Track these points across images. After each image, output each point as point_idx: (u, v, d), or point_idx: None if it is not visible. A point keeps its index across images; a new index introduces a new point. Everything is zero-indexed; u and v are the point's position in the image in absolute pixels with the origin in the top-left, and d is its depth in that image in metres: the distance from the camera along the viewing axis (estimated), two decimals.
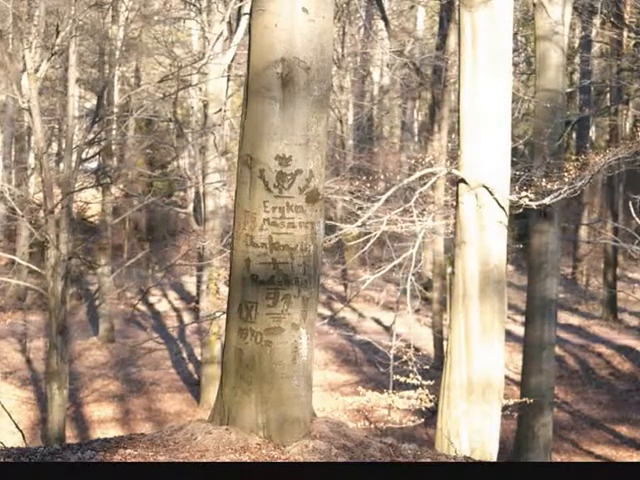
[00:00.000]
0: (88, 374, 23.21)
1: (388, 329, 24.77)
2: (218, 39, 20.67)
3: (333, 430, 5.69)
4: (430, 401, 16.23)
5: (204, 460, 5.26)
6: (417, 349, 19.47)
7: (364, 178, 14.81)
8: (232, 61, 21.76)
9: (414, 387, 16.66)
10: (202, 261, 20.70)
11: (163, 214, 32.58)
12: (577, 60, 30.51)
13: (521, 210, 14.04)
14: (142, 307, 28.97)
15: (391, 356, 16.60)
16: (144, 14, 23.40)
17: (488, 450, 11.43)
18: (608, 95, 29.43)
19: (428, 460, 5.69)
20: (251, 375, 5.60)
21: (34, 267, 18.45)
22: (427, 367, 17.75)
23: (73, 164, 17.36)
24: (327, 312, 26.89)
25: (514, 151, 14.01)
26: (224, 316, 6.22)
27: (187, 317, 28.39)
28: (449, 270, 22.39)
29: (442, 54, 24.35)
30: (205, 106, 22.13)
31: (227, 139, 22.52)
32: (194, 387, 22.40)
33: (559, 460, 17.79)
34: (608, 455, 18.44)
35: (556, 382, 18.95)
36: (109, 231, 26.24)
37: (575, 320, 28.19)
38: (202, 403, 21.20)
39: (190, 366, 24.34)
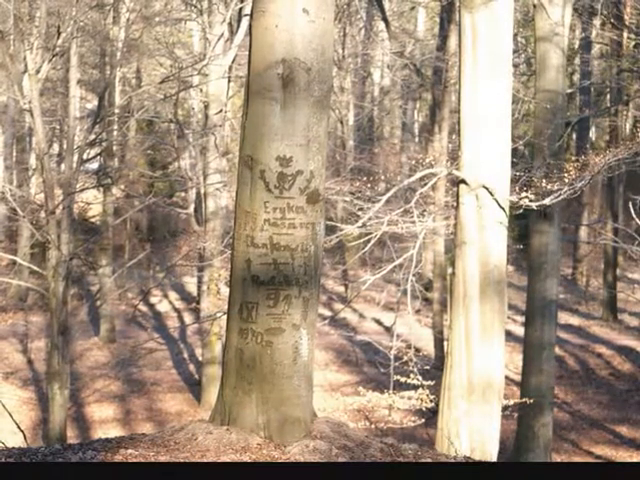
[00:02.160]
0: (89, 374, 23.22)
1: (389, 329, 24.77)
2: (219, 40, 20.68)
3: (334, 430, 5.70)
4: (430, 401, 16.25)
5: (205, 460, 5.27)
6: (417, 349, 19.49)
7: (365, 179, 14.83)
8: (233, 62, 21.77)
9: (414, 387, 16.67)
10: (203, 262, 20.70)
11: (164, 215, 32.61)
12: (577, 61, 30.54)
13: (521, 211, 14.07)
14: (143, 307, 28.96)
15: (392, 356, 16.61)
16: (145, 15, 23.39)
17: (488, 450, 11.45)
18: (608, 96, 29.45)
19: (428, 460, 5.70)
20: (252, 375, 5.60)
21: (35, 268, 18.47)
22: (427, 367, 17.77)
23: (74, 165, 17.38)
24: (328, 312, 26.89)
25: (514, 152, 14.03)
26: (225, 316, 6.24)
27: (188, 317, 28.39)
28: (449, 271, 22.39)
29: (442, 55, 24.36)
30: (206, 107, 22.13)
31: (228, 140, 22.52)
32: (195, 387, 22.41)
33: (559, 460, 17.79)
34: (608, 455, 18.44)
35: (556, 382, 18.96)
36: (110, 232, 26.25)
37: (575, 320, 28.18)
38: (203, 403, 21.21)
39: (191, 366, 24.35)
